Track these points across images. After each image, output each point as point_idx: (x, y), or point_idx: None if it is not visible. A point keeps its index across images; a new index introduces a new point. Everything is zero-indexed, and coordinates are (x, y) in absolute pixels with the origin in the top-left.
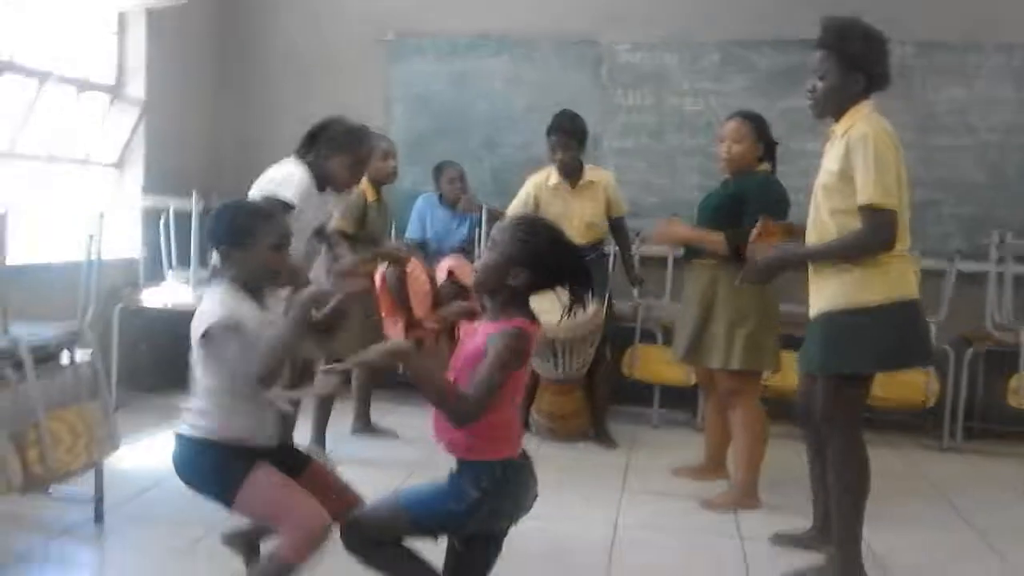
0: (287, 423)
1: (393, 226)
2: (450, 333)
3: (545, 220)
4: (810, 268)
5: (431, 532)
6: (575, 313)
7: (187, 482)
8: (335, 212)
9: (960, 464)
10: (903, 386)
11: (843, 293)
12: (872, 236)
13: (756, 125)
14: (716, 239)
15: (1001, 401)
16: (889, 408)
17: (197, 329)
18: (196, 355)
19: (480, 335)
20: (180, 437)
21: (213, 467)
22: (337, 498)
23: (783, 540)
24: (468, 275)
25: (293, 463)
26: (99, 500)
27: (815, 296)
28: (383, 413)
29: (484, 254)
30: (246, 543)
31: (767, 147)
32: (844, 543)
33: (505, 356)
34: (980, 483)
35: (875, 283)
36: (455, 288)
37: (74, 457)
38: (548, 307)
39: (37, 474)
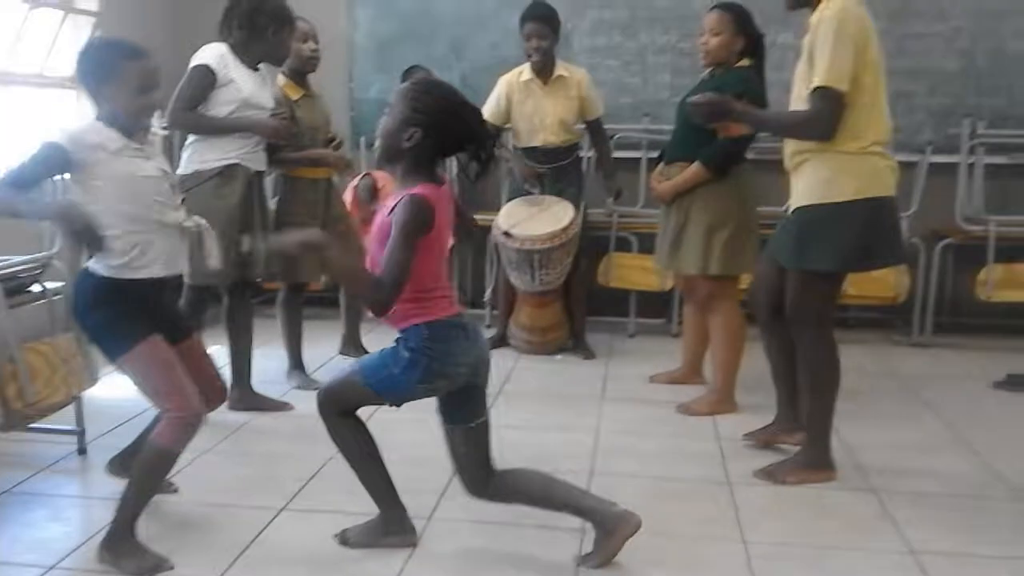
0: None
1: (330, 123)
2: None
3: (440, 82)
4: (789, 164)
5: (385, 399)
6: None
7: (81, 328)
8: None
9: (929, 358)
10: (874, 282)
11: (816, 187)
12: (813, 118)
13: (737, 17)
14: (696, 171)
15: (970, 295)
16: (860, 305)
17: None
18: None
19: (387, 208)
20: (80, 274)
21: (106, 324)
22: (204, 382)
23: (753, 438)
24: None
25: (176, 329)
26: (81, 433)
27: (793, 192)
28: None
29: (381, 121)
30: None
31: (750, 40)
32: (815, 439)
33: (406, 228)
34: (949, 377)
35: (846, 179)
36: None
37: (53, 390)
38: (524, 217)
39: (17, 410)
